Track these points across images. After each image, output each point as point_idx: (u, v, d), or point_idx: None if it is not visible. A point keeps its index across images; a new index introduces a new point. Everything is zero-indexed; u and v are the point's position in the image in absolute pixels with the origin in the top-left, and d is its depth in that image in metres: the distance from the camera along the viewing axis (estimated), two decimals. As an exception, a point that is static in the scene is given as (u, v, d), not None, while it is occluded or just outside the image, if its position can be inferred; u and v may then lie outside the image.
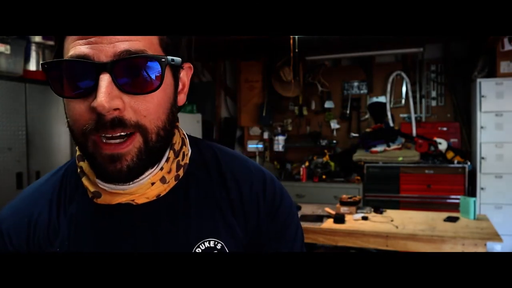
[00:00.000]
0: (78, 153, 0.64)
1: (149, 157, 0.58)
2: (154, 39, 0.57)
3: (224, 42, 4.57)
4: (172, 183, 0.64)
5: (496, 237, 2.47)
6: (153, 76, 0.55)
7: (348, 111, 5.11)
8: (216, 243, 0.63)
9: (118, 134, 0.54)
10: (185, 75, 0.65)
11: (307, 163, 5.02)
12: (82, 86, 0.54)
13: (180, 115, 0.68)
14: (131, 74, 0.54)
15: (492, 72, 4.14)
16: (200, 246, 0.62)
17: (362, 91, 5.11)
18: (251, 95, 5.39)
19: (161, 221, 0.63)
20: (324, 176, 4.81)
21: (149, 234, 0.62)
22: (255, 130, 5.54)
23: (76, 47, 0.54)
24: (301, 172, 4.91)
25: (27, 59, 3.45)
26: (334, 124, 5.17)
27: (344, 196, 3.31)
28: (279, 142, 5.25)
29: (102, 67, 0.53)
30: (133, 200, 0.62)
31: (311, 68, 5.17)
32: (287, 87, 5.05)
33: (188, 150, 0.69)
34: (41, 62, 3.57)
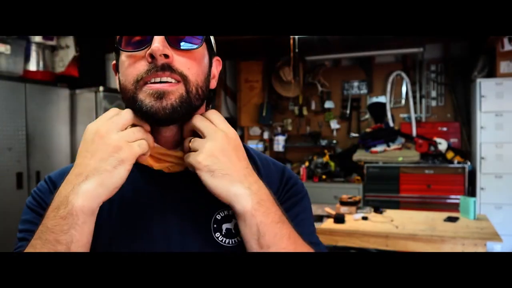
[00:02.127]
0: None
1: (189, 107, 0.68)
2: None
3: (224, 42, 4.57)
4: None
5: (496, 237, 2.47)
6: (195, 40, 0.68)
7: (348, 111, 5.11)
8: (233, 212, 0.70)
9: (166, 77, 0.65)
10: (215, 67, 0.77)
11: (307, 163, 5.02)
12: (139, 40, 0.65)
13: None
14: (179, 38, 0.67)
15: (492, 72, 4.14)
16: (220, 213, 0.72)
17: (362, 91, 5.11)
18: (251, 95, 5.39)
19: (187, 188, 0.72)
20: (324, 176, 4.81)
21: (177, 198, 0.72)
22: (255, 130, 5.54)
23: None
24: (301, 172, 4.91)
25: (27, 59, 3.45)
26: (334, 124, 5.17)
27: (344, 196, 3.31)
28: (279, 142, 5.25)
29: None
30: (169, 167, 0.72)
31: (311, 68, 5.17)
32: (287, 87, 5.05)
33: None
34: (41, 62, 3.57)
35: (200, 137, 0.68)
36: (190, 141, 0.69)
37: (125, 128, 0.66)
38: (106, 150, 0.62)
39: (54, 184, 0.75)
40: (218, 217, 0.72)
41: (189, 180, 0.71)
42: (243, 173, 0.66)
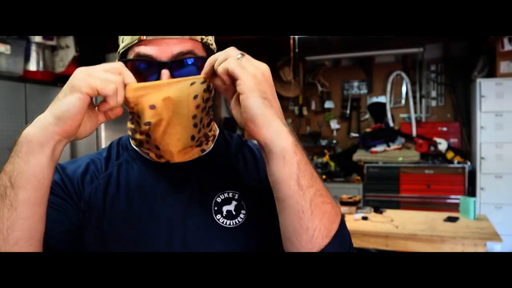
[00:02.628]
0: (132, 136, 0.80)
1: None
2: (197, 42, 0.73)
3: (224, 42, 4.56)
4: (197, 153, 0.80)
5: (496, 237, 2.47)
6: (199, 70, 0.70)
7: (348, 111, 5.11)
8: (234, 194, 0.77)
9: None
10: None
11: (307, 163, 5.01)
12: (148, 79, 0.70)
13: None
14: (184, 69, 0.71)
15: (492, 72, 4.14)
16: (220, 196, 0.76)
17: (362, 91, 5.11)
18: (251, 95, 5.38)
19: (188, 176, 0.77)
20: (324, 176, 4.81)
21: (179, 186, 0.76)
22: (255, 130, 5.53)
23: (141, 47, 0.70)
24: (301, 172, 4.90)
25: (27, 59, 3.45)
26: (334, 124, 5.17)
27: (344, 196, 3.31)
28: (279, 142, 5.24)
29: (164, 65, 0.70)
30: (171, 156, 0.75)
31: (311, 68, 5.17)
32: (287, 87, 5.05)
33: (216, 129, 0.87)
34: (41, 62, 3.57)
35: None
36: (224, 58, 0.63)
37: None
38: (67, 82, 0.62)
39: (63, 169, 0.79)
40: (219, 199, 0.76)
41: (190, 169, 0.78)
42: (277, 109, 0.62)
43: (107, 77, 0.61)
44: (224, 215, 0.75)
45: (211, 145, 0.83)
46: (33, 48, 3.50)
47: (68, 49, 3.66)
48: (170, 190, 0.76)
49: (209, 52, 0.77)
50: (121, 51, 0.75)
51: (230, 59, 0.61)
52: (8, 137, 3.14)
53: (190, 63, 0.72)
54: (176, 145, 0.71)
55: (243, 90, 0.59)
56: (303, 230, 0.60)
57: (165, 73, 0.69)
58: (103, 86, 0.61)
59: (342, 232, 0.65)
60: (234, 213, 0.75)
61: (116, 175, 0.79)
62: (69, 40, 3.65)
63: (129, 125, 0.80)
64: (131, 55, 0.72)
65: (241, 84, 0.59)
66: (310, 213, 0.60)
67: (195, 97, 0.69)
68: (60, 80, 3.71)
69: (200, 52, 0.74)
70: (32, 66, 3.50)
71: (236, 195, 0.77)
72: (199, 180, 0.77)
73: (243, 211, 0.75)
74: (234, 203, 0.76)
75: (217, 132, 0.88)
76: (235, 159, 0.83)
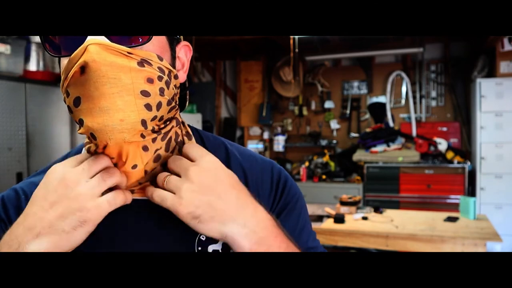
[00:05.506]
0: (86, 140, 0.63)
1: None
2: None
3: (224, 42, 4.58)
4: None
5: (496, 237, 2.47)
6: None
7: (348, 111, 5.12)
8: None
9: None
10: (184, 54, 0.66)
11: (307, 163, 5.02)
12: (73, 42, 0.55)
13: (180, 115, 0.69)
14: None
15: (492, 72, 4.14)
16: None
17: (362, 91, 5.11)
18: (251, 95, 5.39)
19: (162, 213, 0.61)
20: (324, 176, 4.82)
21: (153, 225, 0.62)
22: (255, 130, 5.54)
23: None
24: (301, 172, 4.91)
25: (27, 59, 3.45)
26: (334, 124, 5.17)
27: (344, 196, 3.31)
28: (279, 142, 5.25)
29: None
30: (138, 192, 0.63)
31: (311, 68, 5.17)
32: (287, 87, 5.05)
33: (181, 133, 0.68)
34: (41, 62, 3.57)
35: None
36: (164, 179, 0.58)
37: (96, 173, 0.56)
38: (68, 206, 0.53)
39: (25, 194, 0.65)
40: (203, 238, 0.63)
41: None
42: (235, 207, 0.57)
43: (110, 191, 0.56)
44: None
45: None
46: (33, 48, 3.50)
47: (68, 49, 3.66)
48: (143, 233, 0.62)
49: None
50: None
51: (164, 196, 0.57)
52: (8, 137, 3.14)
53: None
54: (119, 128, 0.53)
55: (177, 215, 0.56)
56: None
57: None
58: (111, 206, 0.56)
59: None
60: (221, 252, 0.63)
61: None
62: (69, 40, 3.65)
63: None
64: None
65: (171, 208, 0.56)
66: None
67: (141, 64, 0.54)
68: (60, 80, 3.71)
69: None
70: (32, 66, 3.50)
71: None
72: (177, 217, 0.60)
73: (232, 250, 0.61)
74: (221, 242, 0.63)
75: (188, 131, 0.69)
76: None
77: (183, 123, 0.69)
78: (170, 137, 0.62)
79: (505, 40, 3.93)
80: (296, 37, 4.05)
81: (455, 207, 3.83)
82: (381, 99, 4.81)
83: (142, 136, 0.56)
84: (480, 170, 4.11)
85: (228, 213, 0.56)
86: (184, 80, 0.65)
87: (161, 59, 0.58)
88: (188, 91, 0.73)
